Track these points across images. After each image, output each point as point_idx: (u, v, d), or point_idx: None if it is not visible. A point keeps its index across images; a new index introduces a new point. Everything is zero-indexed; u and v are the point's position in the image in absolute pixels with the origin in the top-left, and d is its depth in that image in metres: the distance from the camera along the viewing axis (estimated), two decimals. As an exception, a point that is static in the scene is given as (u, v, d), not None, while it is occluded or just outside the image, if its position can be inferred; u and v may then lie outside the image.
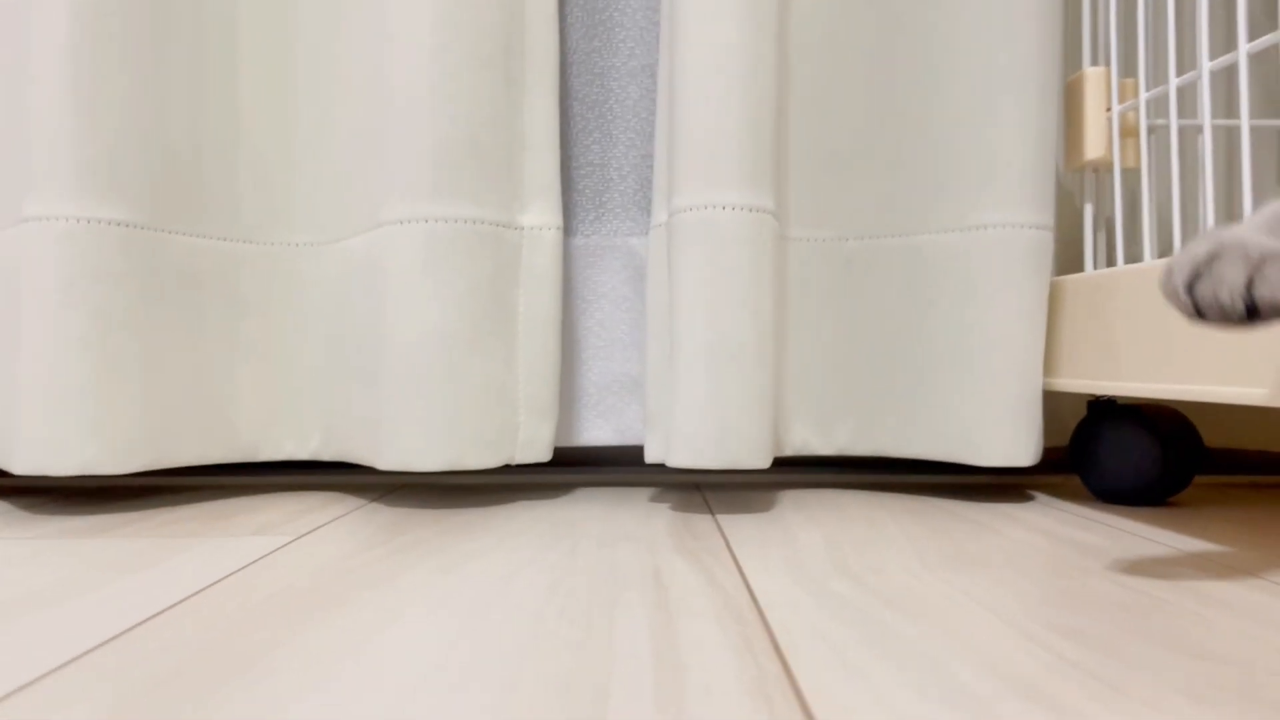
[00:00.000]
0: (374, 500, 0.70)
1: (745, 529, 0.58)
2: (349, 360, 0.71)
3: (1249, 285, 0.37)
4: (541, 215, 0.71)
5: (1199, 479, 0.84)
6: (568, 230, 0.78)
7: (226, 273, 0.72)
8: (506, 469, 0.89)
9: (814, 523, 0.60)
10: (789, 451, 0.73)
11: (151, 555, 0.51)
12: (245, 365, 0.72)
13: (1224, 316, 0.38)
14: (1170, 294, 0.40)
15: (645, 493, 0.74)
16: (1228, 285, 0.37)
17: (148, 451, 0.66)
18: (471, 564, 0.48)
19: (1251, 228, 0.41)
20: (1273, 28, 0.52)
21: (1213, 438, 0.82)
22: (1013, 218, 0.66)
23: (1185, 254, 0.40)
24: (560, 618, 0.38)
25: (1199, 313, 0.39)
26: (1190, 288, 0.39)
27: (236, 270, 0.72)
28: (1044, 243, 0.67)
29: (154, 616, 0.39)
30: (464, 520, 0.62)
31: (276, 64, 0.74)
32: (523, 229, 0.70)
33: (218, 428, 0.71)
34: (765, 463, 0.64)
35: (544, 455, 0.71)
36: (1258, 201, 0.50)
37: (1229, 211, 0.78)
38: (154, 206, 0.67)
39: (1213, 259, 0.38)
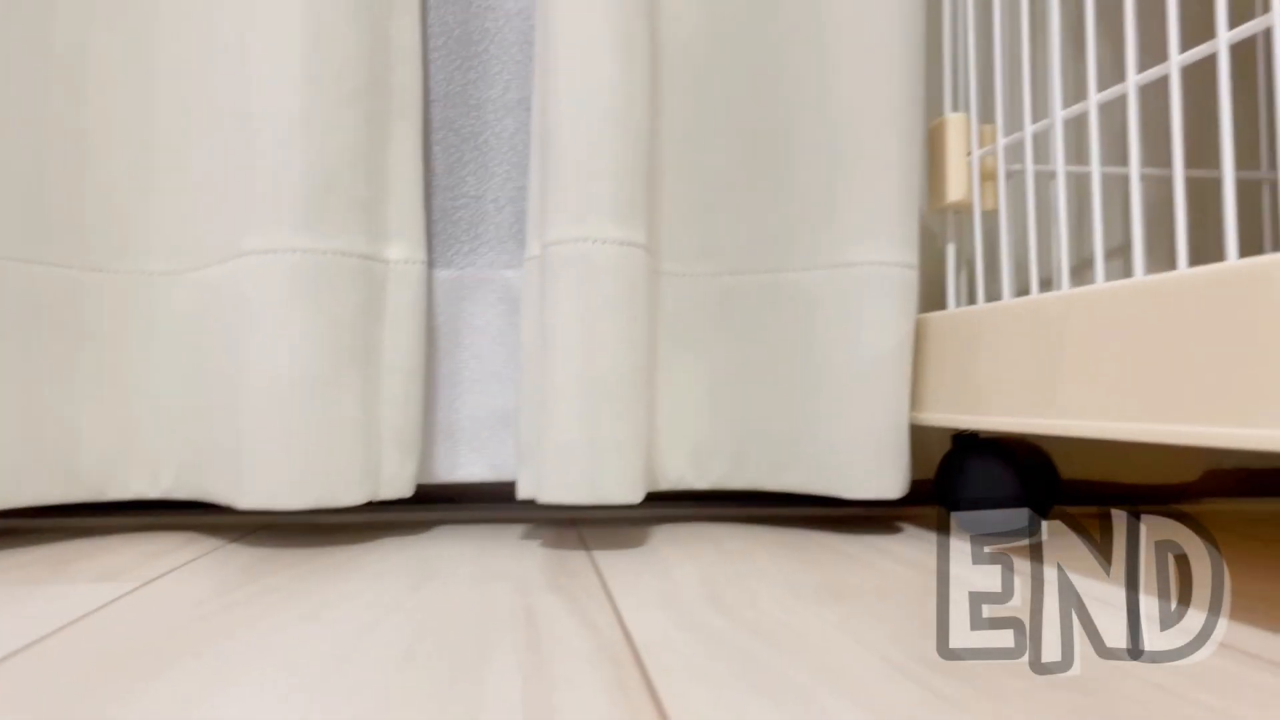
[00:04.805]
0: (233, 541, 0.67)
1: (621, 565, 0.58)
2: (207, 395, 0.67)
3: None
4: (407, 249, 0.70)
5: (1056, 509, 0.87)
6: (443, 263, 0.76)
7: (71, 302, 0.68)
8: (376, 507, 0.86)
9: (689, 557, 0.60)
10: (665, 485, 0.73)
11: (-21, 605, 0.47)
12: (91, 400, 0.68)
13: None
14: None
15: (519, 529, 0.73)
16: None
17: (-21, 492, 0.61)
18: (333, 610, 0.46)
19: None
20: (1120, 79, 0.55)
21: (1067, 470, 0.85)
22: (881, 256, 0.68)
23: None
24: (426, 664, 0.37)
25: None
26: None
27: (82, 300, 0.68)
28: (910, 281, 0.69)
29: (-23, 673, 0.35)
30: (328, 562, 0.59)
31: (132, 89, 0.70)
32: (389, 262, 0.69)
33: (59, 466, 0.67)
34: (637, 498, 0.64)
35: (407, 491, 0.69)
36: (1107, 244, 0.52)
37: (1080, 253, 0.82)
38: (-8, 229, 0.62)
39: None
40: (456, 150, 0.77)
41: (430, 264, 0.74)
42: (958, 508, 0.72)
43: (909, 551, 0.63)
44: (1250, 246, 0.77)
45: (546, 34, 0.66)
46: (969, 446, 0.72)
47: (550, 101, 0.65)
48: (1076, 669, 0.35)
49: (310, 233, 0.64)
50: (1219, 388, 0.44)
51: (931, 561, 0.59)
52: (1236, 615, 0.45)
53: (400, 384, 0.69)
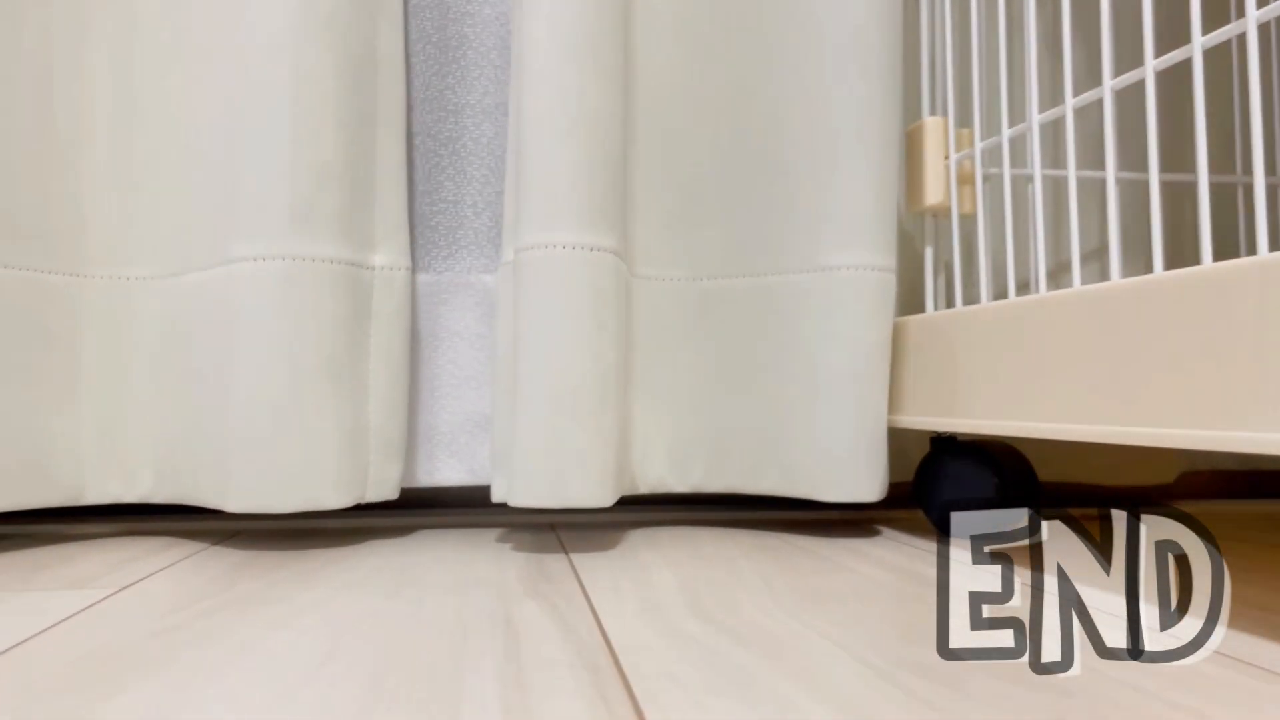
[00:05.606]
0: (213, 544, 0.66)
1: (600, 569, 0.57)
2: (188, 399, 0.67)
3: None
4: (392, 255, 0.70)
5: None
6: (422, 267, 0.76)
7: (45, 307, 0.67)
8: (354, 511, 0.85)
9: (668, 561, 0.60)
10: (645, 489, 0.73)
11: (-53, 615, 0.46)
12: (66, 404, 0.67)
13: None
14: None
15: (498, 533, 0.72)
16: None
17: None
18: (309, 616, 0.46)
19: None
20: (1096, 84, 0.55)
21: (1044, 473, 0.86)
22: (859, 260, 0.68)
23: None
24: (403, 674, 0.37)
25: None
26: None
27: (57, 305, 0.67)
28: (888, 284, 0.69)
29: (-56, 686, 0.35)
30: (306, 566, 0.58)
31: (110, 94, 0.70)
32: (375, 269, 0.69)
33: (33, 470, 0.66)
34: (607, 502, 0.64)
35: (393, 493, 0.70)
36: (1084, 247, 0.53)
37: (1057, 257, 0.83)
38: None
39: None
40: (434, 155, 0.77)
41: (413, 270, 0.74)
42: (935, 510, 0.72)
43: (888, 555, 0.63)
44: (1224, 250, 0.78)
45: (519, 40, 0.66)
46: (947, 449, 0.72)
47: (522, 107, 0.65)
48: (1076, 669, 0.35)
49: (298, 240, 0.64)
50: (1195, 390, 0.44)
51: (910, 565, 0.59)
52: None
53: (386, 388, 0.69)
